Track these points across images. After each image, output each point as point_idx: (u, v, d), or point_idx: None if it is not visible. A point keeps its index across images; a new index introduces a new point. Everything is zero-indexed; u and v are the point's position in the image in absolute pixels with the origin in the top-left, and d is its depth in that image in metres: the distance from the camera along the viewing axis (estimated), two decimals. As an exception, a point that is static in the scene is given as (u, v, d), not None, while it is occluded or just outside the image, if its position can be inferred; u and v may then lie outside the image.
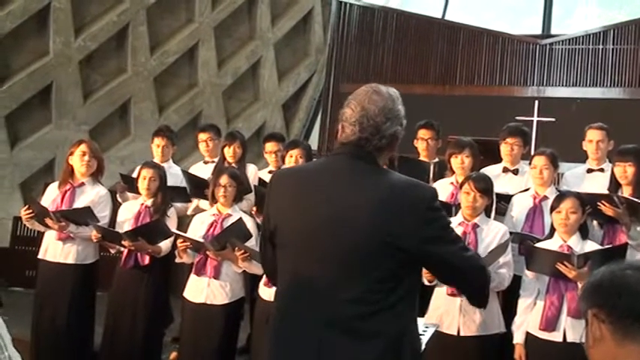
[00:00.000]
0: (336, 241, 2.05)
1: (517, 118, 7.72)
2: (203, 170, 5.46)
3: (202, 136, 5.68)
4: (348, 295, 2.03)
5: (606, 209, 4.06)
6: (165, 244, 4.60)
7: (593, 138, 4.70)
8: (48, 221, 4.62)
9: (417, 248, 2.04)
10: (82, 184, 4.78)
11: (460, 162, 4.59)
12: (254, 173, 5.37)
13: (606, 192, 4.25)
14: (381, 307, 2.03)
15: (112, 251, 4.81)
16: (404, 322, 2.09)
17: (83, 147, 4.77)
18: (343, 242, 2.04)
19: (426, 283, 3.87)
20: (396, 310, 2.05)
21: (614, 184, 4.30)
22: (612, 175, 4.34)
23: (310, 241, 2.09)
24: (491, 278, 3.70)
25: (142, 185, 4.70)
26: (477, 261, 2.23)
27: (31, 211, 4.63)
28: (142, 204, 4.73)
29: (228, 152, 5.34)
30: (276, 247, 2.22)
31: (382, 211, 2.02)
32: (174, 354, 5.05)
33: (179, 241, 4.34)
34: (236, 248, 4.17)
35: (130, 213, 4.75)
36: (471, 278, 2.20)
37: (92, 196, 4.76)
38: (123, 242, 4.51)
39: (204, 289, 4.32)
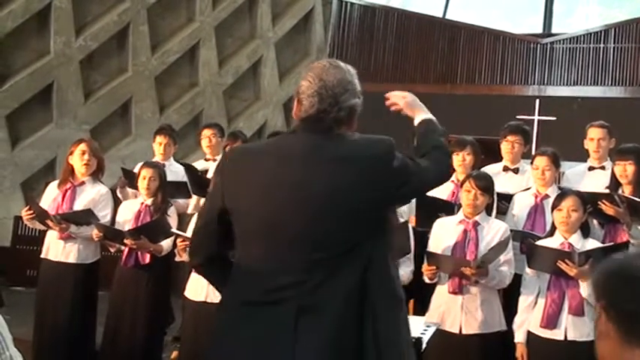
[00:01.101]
0: (307, 219, 2.00)
1: (518, 117, 7.72)
2: (205, 168, 5.46)
3: (206, 132, 5.70)
4: (322, 275, 1.98)
5: (607, 208, 4.05)
6: (166, 243, 4.60)
7: (594, 136, 4.70)
8: (49, 222, 4.62)
9: (394, 197, 2.15)
10: (83, 182, 4.78)
11: (461, 160, 4.59)
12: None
13: (607, 191, 4.25)
14: (355, 277, 2.00)
15: (112, 250, 4.81)
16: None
17: (83, 146, 4.77)
18: (314, 220, 2.00)
19: (427, 281, 3.88)
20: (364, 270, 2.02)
21: (615, 183, 4.30)
22: (612, 174, 4.34)
23: (278, 224, 2.03)
24: (492, 276, 3.73)
25: (142, 185, 4.70)
26: (439, 165, 2.24)
27: (32, 211, 4.63)
28: (142, 203, 4.73)
29: (230, 152, 5.34)
30: (234, 229, 2.11)
31: (348, 180, 2.01)
32: (175, 353, 5.05)
33: (179, 240, 4.35)
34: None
35: (130, 213, 4.75)
36: (439, 173, 2.27)
37: (93, 194, 4.76)
38: (125, 241, 4.51)
39: (204, 288, 4.31)
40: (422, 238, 4.11)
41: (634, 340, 1.30)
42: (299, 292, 1.99)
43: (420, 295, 4.21)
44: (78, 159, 4.75)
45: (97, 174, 4.83)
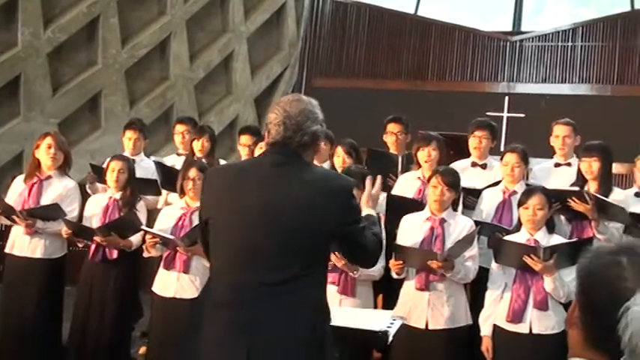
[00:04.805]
0: (267, 230, 2.34)
1: (487, 113, 7.79)
2: (176, 162, 5.42)
3: (179, 128, 5.67)
4: (279, 278, 2.31)
5: (576, 205, 4.12)
6: (136, 238, 4.57)
7: (559, 133, 4.78)
8: (15, 218, 4.56)
9: (340, 230, 2.40)
10: (50, 177, 4.73)
11: (427, 155, 4.60)
12: (225, 167, 5.34)
13: (575, 187, 4.31)
14: (307, 284, 2.34)
15: (80, 245, 4.76)
16: (323, 291, 2.44)
17: (49, 140, 4.71)
18: (274, 231, 2.34)
19: (394, 276, 3.91)
20: (318, 281, 2.42)
21: (581, 179, 4.37)
22: (578, 170, 4.41)
23: (242, 232, 2.37)
24: (457, 270, 3.78)
25: (111, 178, 4.66)
26: (378, 237, 2.57)
27: (-3, 207, 4.57)
28: (111, 197, 4.69)
29: (197, 146, 5.33)
30: (209, 238, 2.48)
31: (309, 200, 2.35)
32: (143, 348, 5.02)
33: (148, 236, 4.31)
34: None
35: (98, 207, 4.70)
36: (371, 253, 2.57)
37: (60, 189, 4.71)
38: (95, 238, 4.47)
39: (173, 283, 4.29)
40: (390, 235, 4.12)
41: (591, 346, 1.30)
42: (257, 296, 2.31)
43: (389, 291, 4.24)
44: (44, 153, 4.69)
45: (63, 168, 4.78)
